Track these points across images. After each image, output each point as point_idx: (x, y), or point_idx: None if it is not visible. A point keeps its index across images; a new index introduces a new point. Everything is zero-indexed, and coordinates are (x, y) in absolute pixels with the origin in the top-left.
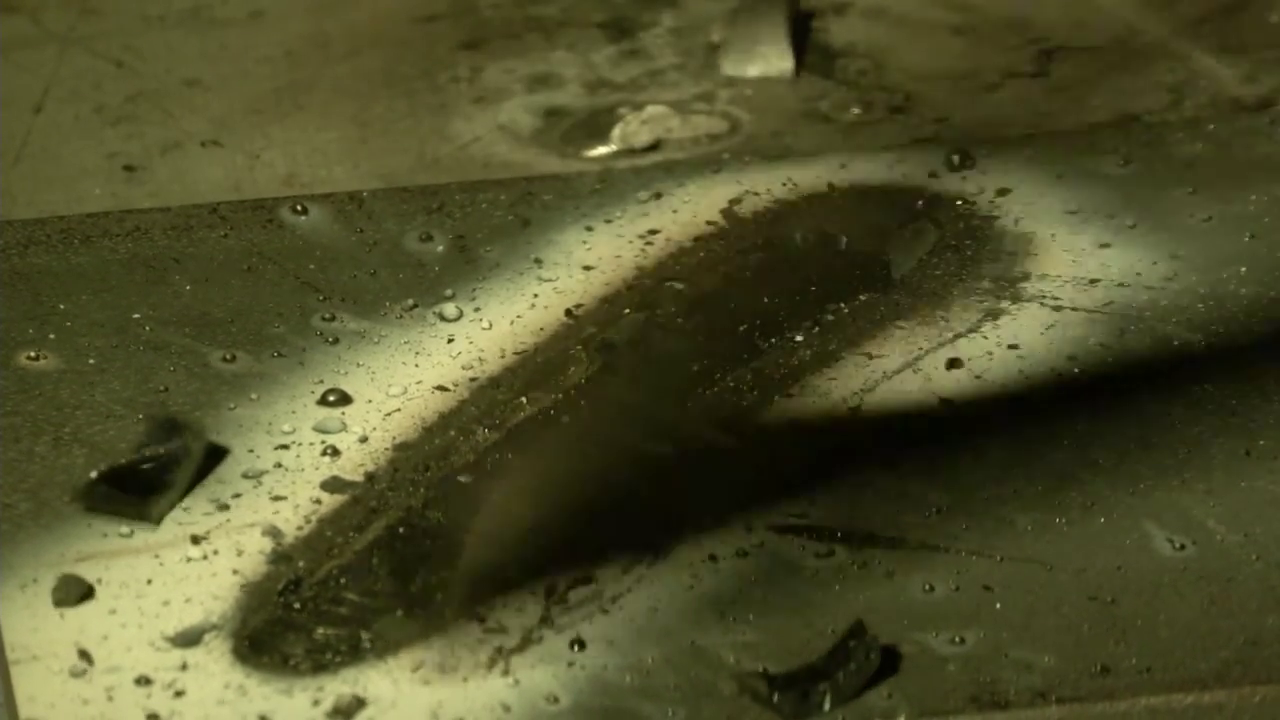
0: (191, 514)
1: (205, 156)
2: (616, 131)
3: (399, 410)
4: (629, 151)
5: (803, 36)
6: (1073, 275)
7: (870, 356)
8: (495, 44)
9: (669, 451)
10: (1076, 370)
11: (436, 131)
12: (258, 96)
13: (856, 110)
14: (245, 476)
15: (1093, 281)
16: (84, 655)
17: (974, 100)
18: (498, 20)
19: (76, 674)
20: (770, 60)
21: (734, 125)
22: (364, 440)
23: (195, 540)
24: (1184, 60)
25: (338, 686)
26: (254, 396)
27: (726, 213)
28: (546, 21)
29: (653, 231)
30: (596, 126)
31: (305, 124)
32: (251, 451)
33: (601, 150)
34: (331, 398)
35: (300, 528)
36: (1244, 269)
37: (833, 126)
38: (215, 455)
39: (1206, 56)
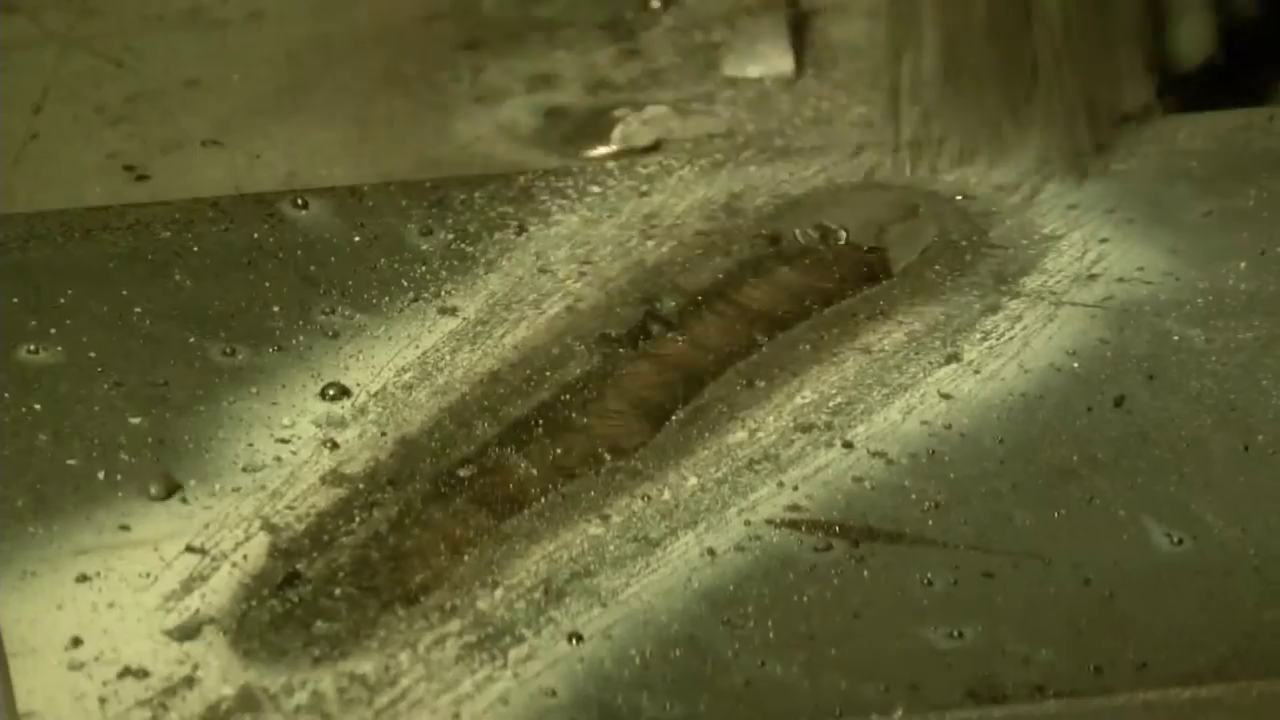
0: (191, 507)
1: (205, 156)
2: (617, 132)
3: (399, 404)
4: (629, 151)
5: (804, 36)
6: (1072, 270)
7: (870, 352)
8: (495, 44)
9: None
10: (1076, 365)
11: (437, 131)
12: (258, 96)
13: (858, 110)
14: (245, 470)
15: (1092, 277)
16: (82, 648)
17: None
18: (498, 20)
19: (75, 667)
20: (770, 60)
21: (734, 125)
22: (363, 434)
23: (194, 534)
24: None
25: (336, 680)
26: (254, 390)
27: (727, 208)
28: (546, 21)
29: (653, 227)
30: (597, 127)
31: (306, 124)
32: (251, 445)
33: (602, 150)
34: (331, 392)
35: (299, 521)
36: (1243, 264)
37: (833, 126)
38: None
39: None
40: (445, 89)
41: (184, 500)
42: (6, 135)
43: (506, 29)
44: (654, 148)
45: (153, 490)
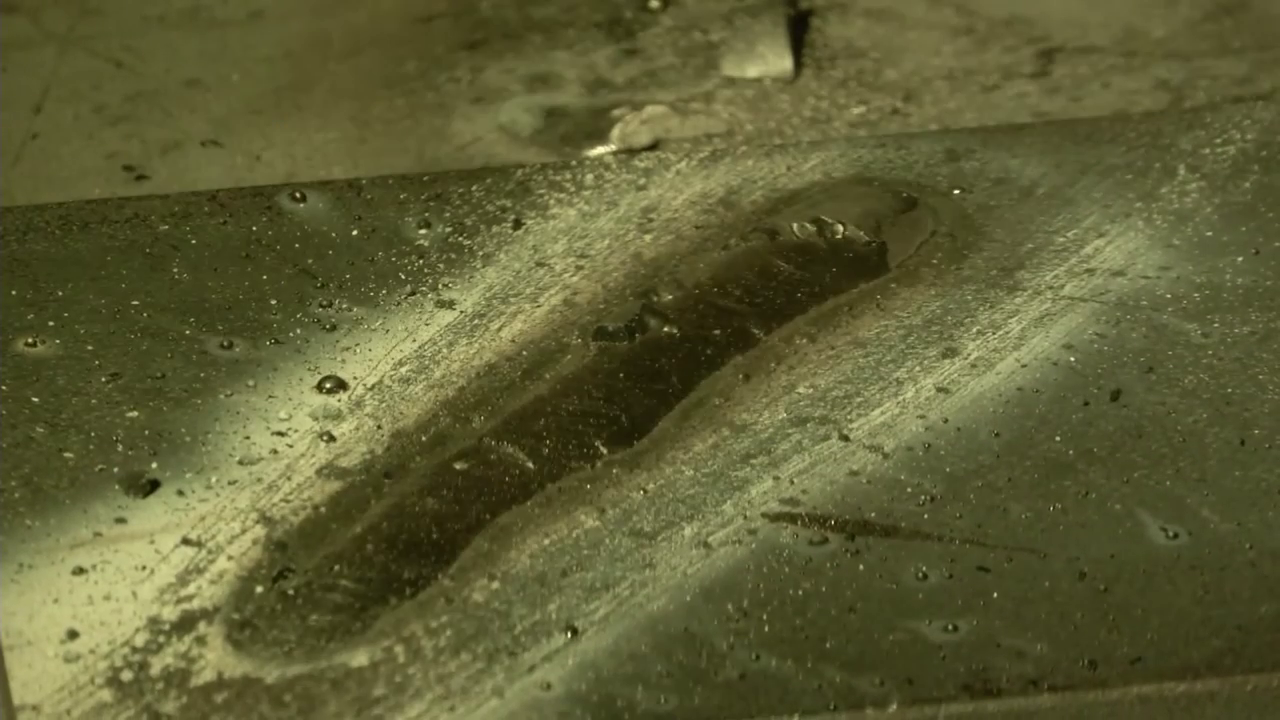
0: (187, 500)
1: (205, 156)
2: (616, 131)
3: (396, 397)
4: (628, 151)
5: (802, 36)
6: (1069, 264)
7: (866, 346)
8: (495, 44)
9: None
10: (1072, 359)
11: (436, 132)
12: (258, 96)
13: (856, 110)
14: (241, 463)
15: (1089, 271)
16: (78, 640)
17: (974, 100)
18: (498, 20)
19: (70, 659)
20: (769, 60)
21: (733, 125)
22: (360, 427)
23: (190, 526)
24: (1184, 60)
25: (331, 672)
26: (251, 383)
27: (724, 202)
28: (546, 21)
29: (650, 221)
30: (596, 127)
31: (305, 124)
32: (248, 438)
33: (601, 150)
34: (328, 384)
35: (296, 514)
36: (1239, 258)
37: (832, 126)
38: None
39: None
40: (444, 89)
41: (180, 493)
42: (6, 135)
43: (506, 29)
44: (653, 148)
45: (149, 484)
